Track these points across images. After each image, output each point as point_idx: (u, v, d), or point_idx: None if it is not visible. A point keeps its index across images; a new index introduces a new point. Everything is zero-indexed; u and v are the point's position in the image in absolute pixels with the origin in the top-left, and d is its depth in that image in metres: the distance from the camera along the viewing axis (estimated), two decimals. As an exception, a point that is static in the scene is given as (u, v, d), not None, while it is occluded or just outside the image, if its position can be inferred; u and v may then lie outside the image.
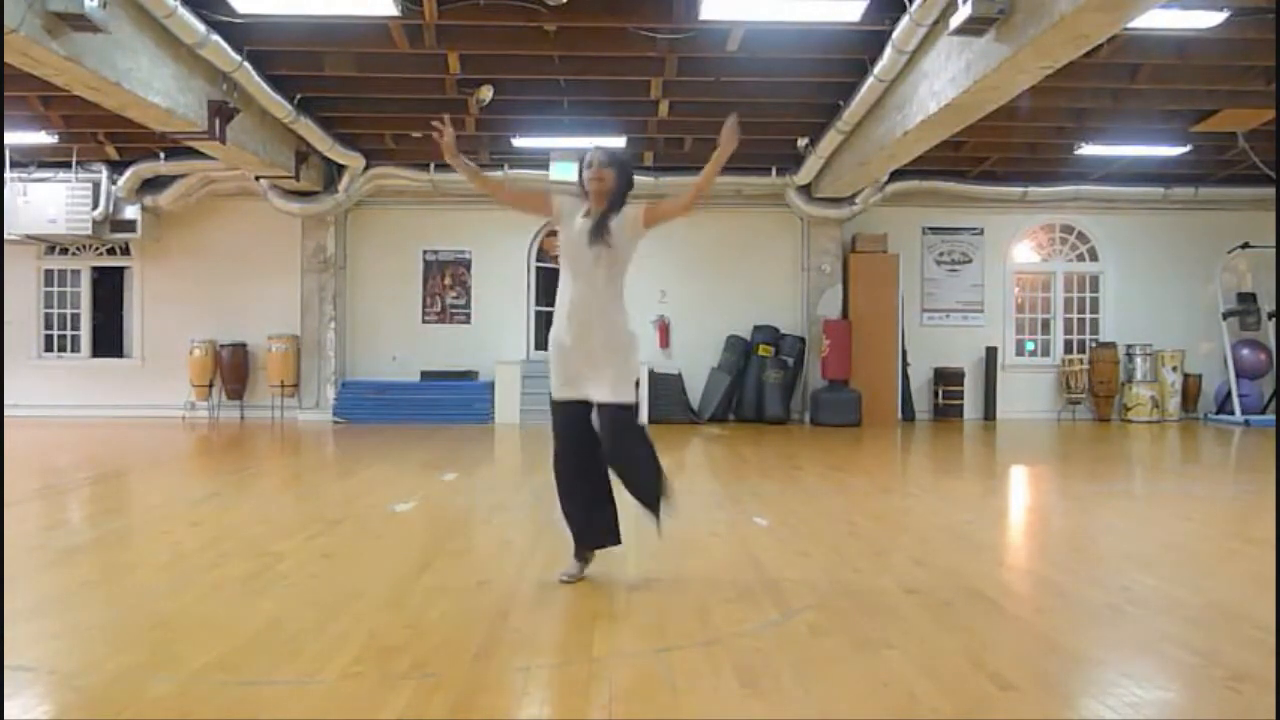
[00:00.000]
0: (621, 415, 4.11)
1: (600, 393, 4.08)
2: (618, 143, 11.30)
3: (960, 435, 11.92)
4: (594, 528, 4.31)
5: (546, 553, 4.85)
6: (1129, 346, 13.56)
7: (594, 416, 4.11)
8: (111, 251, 13.58)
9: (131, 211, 12.49)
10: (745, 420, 13.01)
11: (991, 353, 13.59)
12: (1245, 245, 13.34)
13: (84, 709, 2.89)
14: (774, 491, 7.17)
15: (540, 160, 11.82)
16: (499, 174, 12.26)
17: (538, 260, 13.63)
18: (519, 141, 11.34)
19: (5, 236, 11.77)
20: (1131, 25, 6.43)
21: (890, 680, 3.10)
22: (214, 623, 3.72)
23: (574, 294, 4.11)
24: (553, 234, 4.22)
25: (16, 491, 6.74)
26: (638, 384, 4.25)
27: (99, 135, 11.25)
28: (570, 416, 4.17)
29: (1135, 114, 10.37)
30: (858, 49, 8.23)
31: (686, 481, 8.02)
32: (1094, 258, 14.03)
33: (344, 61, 8.89)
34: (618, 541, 4.35)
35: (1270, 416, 12.85)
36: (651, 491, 4.27)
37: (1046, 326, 14.11)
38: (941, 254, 13.86)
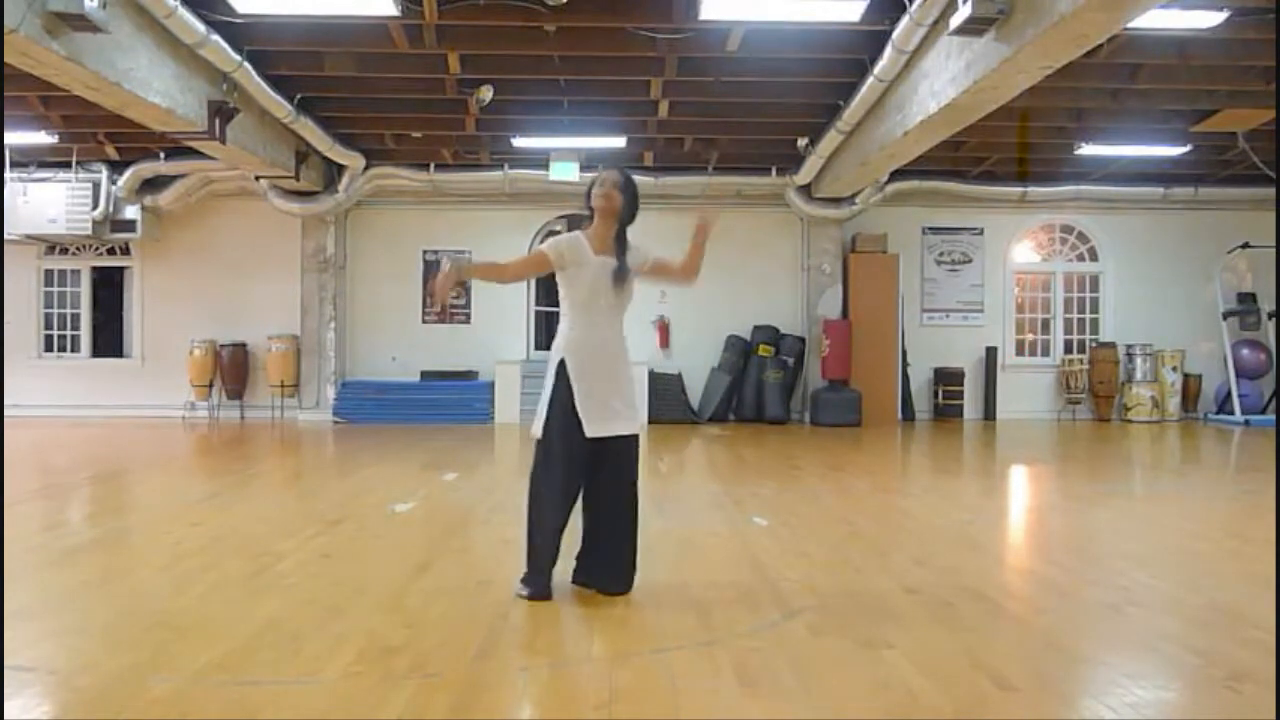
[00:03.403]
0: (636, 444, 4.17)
1: (630, 425, 4.09)
2: (617, 142, 11.32)
3: (960, 435, 11.92)
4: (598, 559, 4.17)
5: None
6: (1129, 346, 13.55)
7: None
8: (111, 251, 13.58)
9: (131, 211, 12.48)
10: (745, 420, 13.00)
11: (991, 353, 13.59)
12: (1245, 245, 13.33)
13: (84, 709, 2.89)
14: (774, 492, 7.17)
15: (540, 160, 11.82)
16: (497, 172, 12.29)
17: (538, 260, 13.59)
18: (519, 141, 11.34)
19: (5, 236, 11.76)
20: (1131, 25, 6.43)
21: (890, 680, 3.10)
22: (214, 623, 3.72)
23: (602, 333, 4.07)
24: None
25: (16, 491, 6.74)
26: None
27: (99, 135, 11.24)
28: (588, 453, 4.06)
29: (1135, 114, 10.36)
30: (858, 49, 8.23)
31: (687, 482, 8.03)
32: (1094, 258, 14.03)
33: (344, 61, 8.88)
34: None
35: (1270, 416, 12.85)
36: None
37: (1046, 326, 14.11)
38: (941, 254, 13.86)
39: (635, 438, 4.11)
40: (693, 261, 4.19)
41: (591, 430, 3.98)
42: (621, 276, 4.06)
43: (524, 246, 13.48)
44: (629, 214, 4.15)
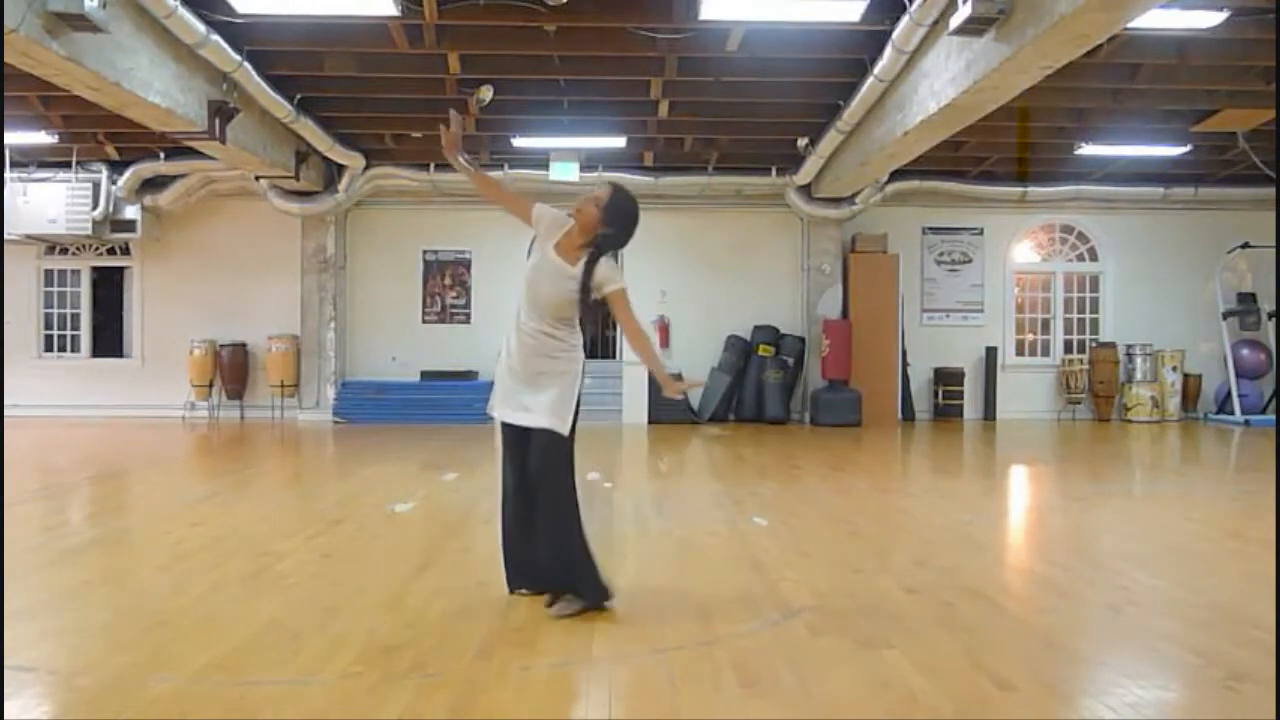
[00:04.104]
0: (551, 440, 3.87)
1: (528, 418, 3.87)
2: (617, 142, 11.31)
3: (960, 435, 11.92)
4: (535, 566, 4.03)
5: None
6: (1129, 346, 13.55)
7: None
8: (111, 251, 13.58)
9: (131, 211, 12.48)
10: (745, 420, 13.00)
11: (991, 353, 13.59)
12: (1245, 245, 13.33)
13: (84, 709, 2.89)
14: (774, 492, 7.17)
15: (540, 160, 11.81)
16: (496, 174, 12.24)
17: (538, 260, 13.60)
18: (519, 141, 11.33)
19: (5, 236, 11.77)
20: (1131, 25, 6.42)
21: (890, 680, 3.11)
22: (214, 623, 3.72)
23: (521, 322, 3.90)
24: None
25: (16, 491, 6.74)
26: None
27: (99, 135, 11.24)
28: (514, 440, 3.99)
29: (1135, 114, 10.36)
30: (858, 49, 8.23)
31: (687, 482, 8.03)
32: (1094, 258, 14.03)
33: (344, 61, 8.88)
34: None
35: (1270, 416, 12.85)
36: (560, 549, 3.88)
37: (1046, 326, 14.11)
38: (941, 254, 13.86)
39: (544, 432, 3.81)
40: (640, 358, 4.06)
41: (493, 410, 3.98)
42: (586, 300, 3.86)
43: (524, 246, 13.45)
44: (609, 239, 3.89)
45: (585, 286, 3.82)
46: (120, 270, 13.73)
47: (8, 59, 6.37)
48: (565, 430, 3.82)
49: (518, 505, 3.99)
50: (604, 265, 3.85)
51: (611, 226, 3.88)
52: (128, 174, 12.14)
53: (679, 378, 4.23)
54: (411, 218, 13.46)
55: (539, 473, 3.85)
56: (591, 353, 4.19)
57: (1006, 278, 13.94)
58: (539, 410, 3.84)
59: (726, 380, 13.05)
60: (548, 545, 3.87)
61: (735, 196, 13.19)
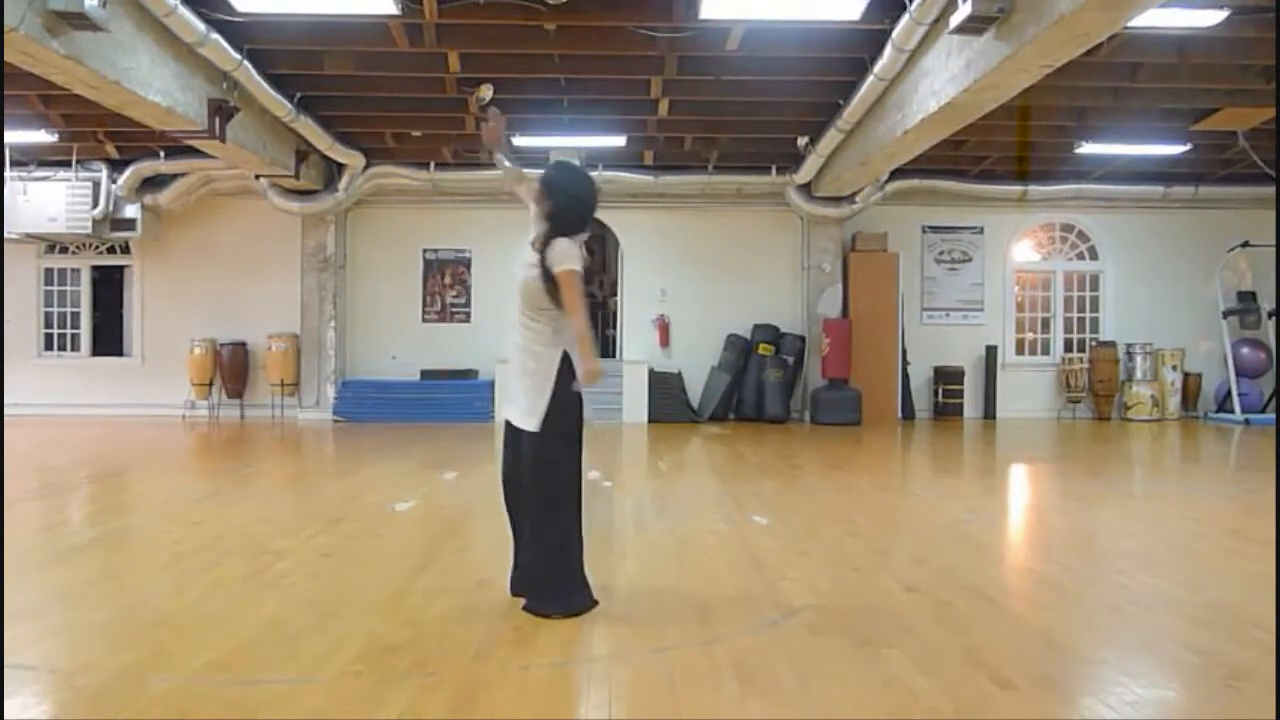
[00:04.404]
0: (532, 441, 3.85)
1: (516, 417, 3.90)
2: (617, 141, 11.29)
3: (960, 434, 11.92)
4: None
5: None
6: (1129, 345, 13.55)
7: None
8: (111, 250, 13.57)
9: (131, 210, 12.47)
10: (745, 419, 12.99)
11: (991, 351, 13.59)
12: (1245, 244, 13.33)
13: (83, 708, 2.89)
14: (774, 491, 7.17)
15: (540, 159, 11.78)
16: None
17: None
18: (519, 141, 11.31)
19: (5, 235, 11.76)
20: (1131, 24, 6.42)
21: (890, 680, 3.11)
22: (214, 622, 3.72)
23: (514, 320, 3.92)
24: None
25: (16, 491, 6.74)
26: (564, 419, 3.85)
27: (99, 134, 11.23)
28: (510, 439, 4.01)
29: (1135, 113, 10.36)
30: (858, 48, 8.22)
31: (687, 481, 8.03)
32: (1094, 256, 14.02)
33: (344, 60, 8.87)
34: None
35: (1270, 415, 12.85)
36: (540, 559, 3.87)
37: (1046, 325, 14.11)
38: (941, 253, 13.85)
39: (530, 434, 3.81)
40: (572, 329, 3.82)
41: (501, 410, 4.01)
42: (548, 282, 3.75)
43: (523, 245, 13.48)
44: (558, 217, 3.79)
45: (546, 273, 3.74)
46: (120, 269, 13.73)
47: (8, 58, 6.36)
48: (536, 427, 3.79)
49: (508, 499, 4.02)
50: (559, 245, 3.75)
51: (551, 201, 3.81)
52: (128, 173, 12.13)
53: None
54: (411, 217, 13.46)
55: (527, 475, 3.86)
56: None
57: (1006, 276, 13.93)
58: (521, 408, 3.87)
59: (726, 379, 13.04)
60: (531, 548, 3.89)
61: (735, 195, 13.18)
